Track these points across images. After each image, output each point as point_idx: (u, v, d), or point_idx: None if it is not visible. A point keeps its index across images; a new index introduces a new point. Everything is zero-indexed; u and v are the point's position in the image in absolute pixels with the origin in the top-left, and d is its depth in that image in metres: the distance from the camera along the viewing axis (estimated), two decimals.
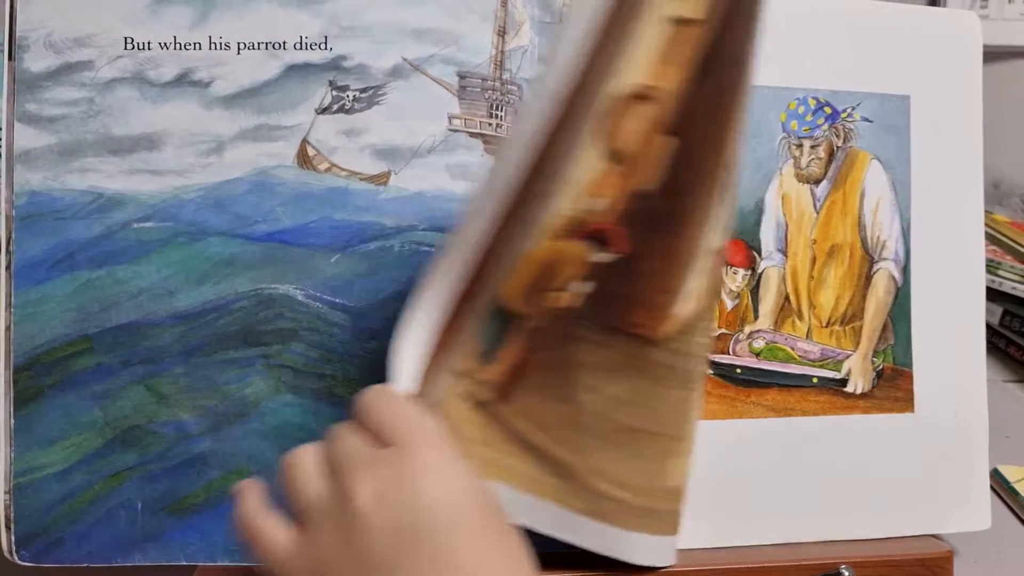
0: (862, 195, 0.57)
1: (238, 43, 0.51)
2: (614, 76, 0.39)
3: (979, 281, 0.58)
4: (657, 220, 0.41)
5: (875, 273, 0.57)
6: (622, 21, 0.38)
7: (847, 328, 0.56)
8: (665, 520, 0.49)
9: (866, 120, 0.56)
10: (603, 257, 0.41)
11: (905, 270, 0.57)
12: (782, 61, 0.55)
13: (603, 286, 0.42)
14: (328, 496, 0.35)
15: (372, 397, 0.39)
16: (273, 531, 0.36)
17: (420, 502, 0.34)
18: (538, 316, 0.42)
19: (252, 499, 0.39)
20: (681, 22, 0.39)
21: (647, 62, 0.39)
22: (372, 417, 0.38)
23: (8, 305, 0.50)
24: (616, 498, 0.47)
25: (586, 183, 0.40)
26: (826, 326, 0.56)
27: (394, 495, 0.34)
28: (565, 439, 0.45)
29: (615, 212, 0.41)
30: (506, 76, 0.52)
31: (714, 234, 0.43)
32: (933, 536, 0.55)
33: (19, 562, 0.50)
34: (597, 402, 0.44)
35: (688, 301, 0.44)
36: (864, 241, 0.57)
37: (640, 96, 0.39)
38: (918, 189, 0.57)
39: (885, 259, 0.57)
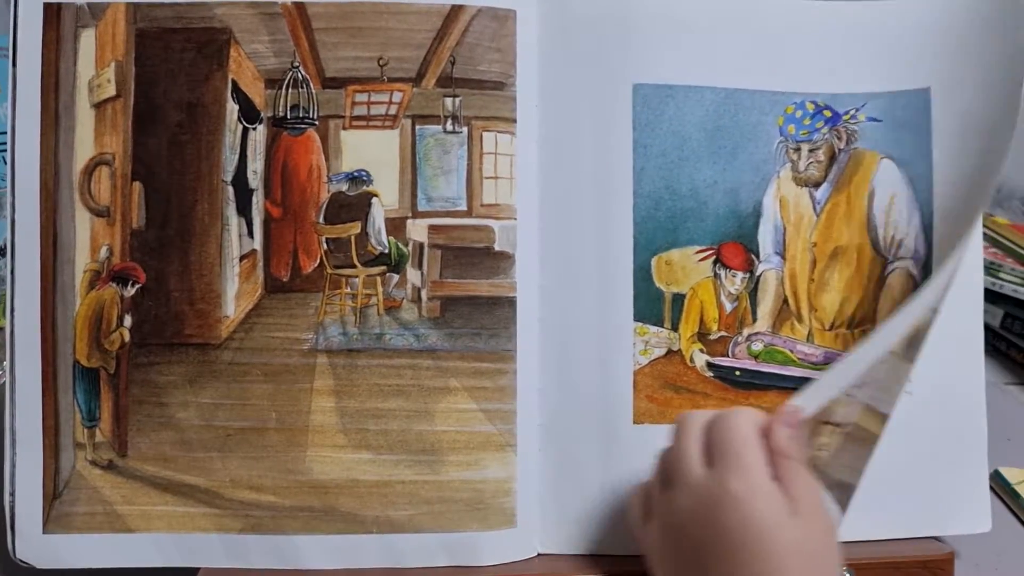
0: (871, 196, 0.56)
1: None
2: (73, 156, 0.52)
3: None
4: (159, 248, 0.53)
5: (889, 274, 0.56)
6: (62, 120, 0.52)
7: (856, 331, 0.56)
8: (333, 519, 0.51)
9: (874, 120, 0.56)
10: (130, 291, 0.52)
11: (926, 267, 0.56)
12: (781, 65, 0.55)
13: (146, 314, 0.53)
14: (705, 477, 0.43)
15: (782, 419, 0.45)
16: (653, 481, 0.46)
17: (772, 518, 0.41)
18: (108, 362, 0.52)
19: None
20: (105, 102, 0.53)
21: (92, 138, 0.53)
22: (773, 436, 0.44)
23: (12, 310, 0.51)
24: (263, 504, 0.51)
25: (89, 239, 0.53)
26: (830, 329, 0.56)
27: (759, 503, 0.41)
28: (189, 464, 0.52)
29: (122, 253, 0.53)
30: None
31: (232, 245, 0.53)
32: (934, 538, 0.56)
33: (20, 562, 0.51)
34: (193, 414, 0.52)
35: (232, 303, 0.53)
36: (875, 242, 0.56)
37: (98, 163, 0.52)
38: (939, 170, 0.56)
39: (902, 258, 0.56)
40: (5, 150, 0.52)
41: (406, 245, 0.55)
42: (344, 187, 0.54)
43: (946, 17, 0.56)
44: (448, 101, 0.54)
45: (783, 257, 0.56)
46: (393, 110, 0.54)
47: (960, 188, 0.55)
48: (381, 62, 0.54)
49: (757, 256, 0.56)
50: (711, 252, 0.55)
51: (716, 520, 0.41)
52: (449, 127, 0.54)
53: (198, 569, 0.52)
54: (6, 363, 0.52)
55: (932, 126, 0.56)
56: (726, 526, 0.41)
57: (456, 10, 0.53)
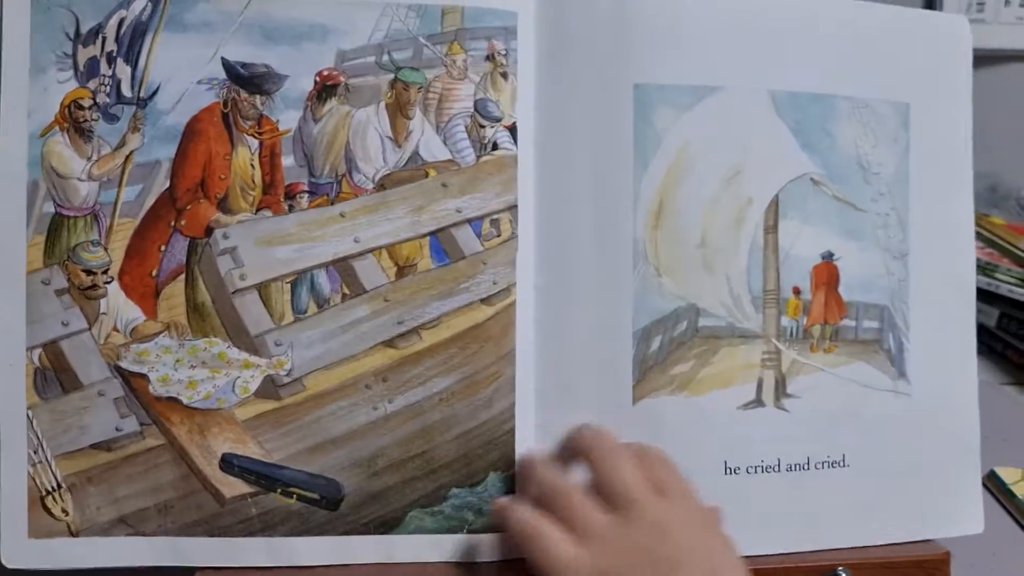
0: None
1: None
2: None
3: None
4: None
5: None
6: None
7: None
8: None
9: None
10: None
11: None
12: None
13: None
14: (615, 526, 0.45)
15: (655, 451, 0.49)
16: (558, 537, 0.45)
17: (676, 537, 0.45)
18: None
19: (527, 508, 0.48)
20: None
21: None
22: (647, 463, 0.47)
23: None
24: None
25: None
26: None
27: (668, 530, 0.45)
28: None
29: None
30: None
31: None
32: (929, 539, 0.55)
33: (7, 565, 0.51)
34: None
35: None
36: None
37: None
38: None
39: None
40: None
41: None
42: None
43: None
44: None
45: None
46: None
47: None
48: None
49: None
50: None
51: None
52: None
53: (192, 569, 0.51)
54: None
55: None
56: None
57: None
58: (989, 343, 0.87)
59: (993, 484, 0.66)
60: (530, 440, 0.53)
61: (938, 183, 0.58)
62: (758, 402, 0.54)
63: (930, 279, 0.57)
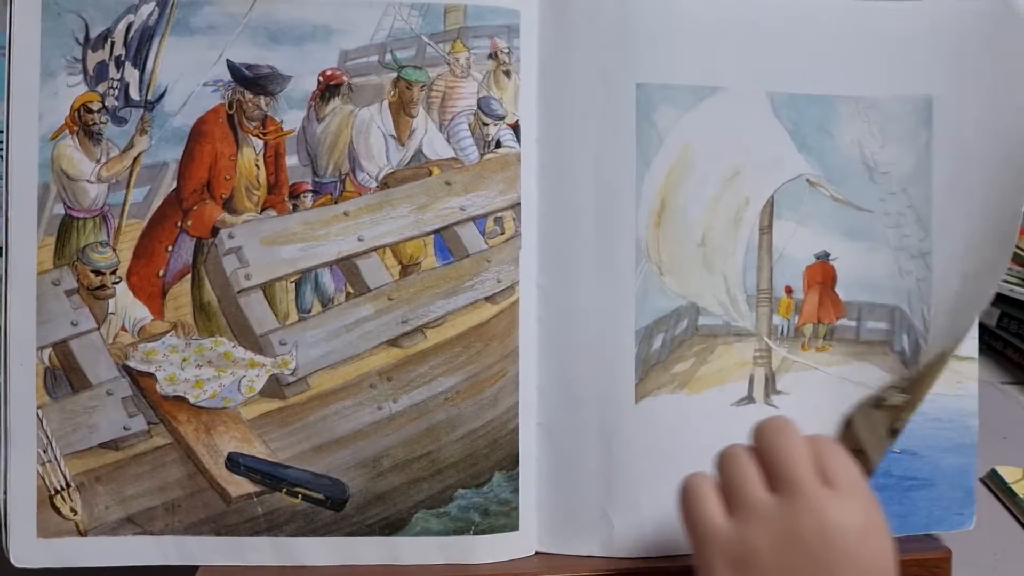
0: None
1: None
2: None
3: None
4: None
5: None
6: None
7: None
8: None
9: None
10: None
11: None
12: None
13: None
14: (772, 507, 0.43)
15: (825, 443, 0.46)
16: (714, 503, 0.44)
17: (835, 540, 0.42)
18: None
19: (702, 482, 0.46)
20: None
21: None
22: (819, 451, 0.44)
23: (6, 310, 0.51)
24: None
25: None
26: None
27: (828, 531, 0.42)
28: None
29: None
30: None
31: None
32: (931, 536, 0.55)
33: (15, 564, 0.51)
34: None
35: None
36: None
37: None
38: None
39: None
40: (2, 147, 0.52)
41: None
42: None
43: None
44: None
45: None
46: None
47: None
48: None
49: None
50: None
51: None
52: None
53: (197, 568, 0.52)
54: (0, 363, 0.52)
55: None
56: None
57: None
58: (989, 342, 0.87)
59: (994, 483, 0.66)
60: (533, 439, 0.53)
61: (963, 178, 0.55)
62: (749, 399, 0.55)
63: (953, 278, 0.56)
